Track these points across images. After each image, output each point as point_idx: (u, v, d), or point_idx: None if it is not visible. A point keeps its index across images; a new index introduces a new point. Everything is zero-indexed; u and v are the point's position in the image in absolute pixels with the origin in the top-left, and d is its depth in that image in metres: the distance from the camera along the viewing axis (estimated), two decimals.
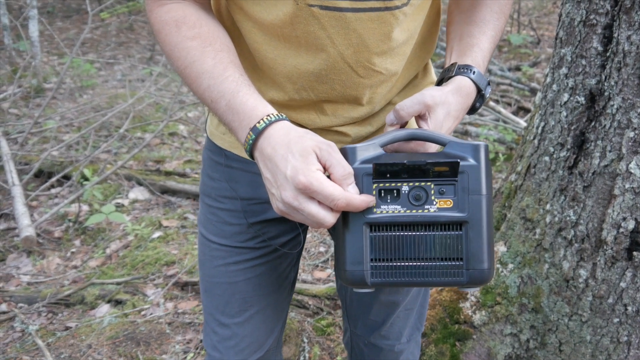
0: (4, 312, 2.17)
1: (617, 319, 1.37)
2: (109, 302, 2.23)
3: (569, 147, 1.42)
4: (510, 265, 1.57)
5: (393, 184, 0.74)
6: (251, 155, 0.78)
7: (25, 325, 2.08)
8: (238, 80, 0.80)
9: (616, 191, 1.32)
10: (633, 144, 1.29)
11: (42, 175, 3.20)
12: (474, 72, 0.90)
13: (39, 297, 2.23)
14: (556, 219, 1.46)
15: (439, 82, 0.94)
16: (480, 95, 0.92)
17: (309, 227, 1.93)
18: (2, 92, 4.41)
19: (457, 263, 0.74)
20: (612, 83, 1.30)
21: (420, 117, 0.86)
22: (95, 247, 2.67)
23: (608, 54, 1.32)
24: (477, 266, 0.74)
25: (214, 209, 1.05)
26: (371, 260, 0.75)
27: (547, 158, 1.49)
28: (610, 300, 1.37)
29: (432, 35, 1.01)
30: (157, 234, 2.73)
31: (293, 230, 1.06)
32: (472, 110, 0.94)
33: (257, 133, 0.76)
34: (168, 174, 3.31)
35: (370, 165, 0.74)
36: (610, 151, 1.32)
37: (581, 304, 1.42)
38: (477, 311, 1.60)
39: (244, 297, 1.05)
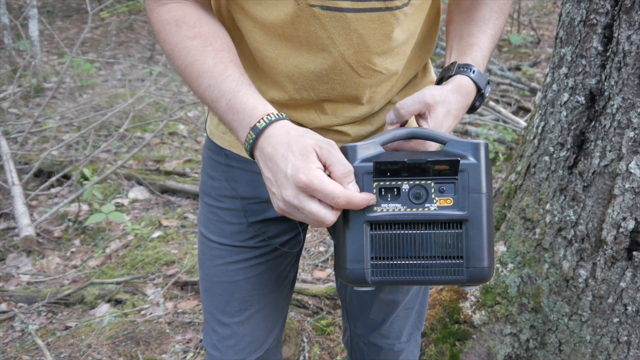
0: (3, 312, 2.17)
1: (617, 319, 1.37)
2: (108, 301, 2.23)
3: (569, 146, 1.42)
4: (510, 265, 1.57)
5: (393, 183, 0.75)
6: (251, 154, 0.79)
7: (25, 325, 2.08)
8: (238, 80, 0.80)
9: (616, 191, 1.32)
10: (633, 144, 1.29)
11: (41, 174, 3.20)
12: (473, 71, 0.90)
13: (38, 297, 2.23)
14: (556, 218, 1.46)
15: (439, 81, 0.94)
16: (480, 94, 0.92)
17: (309, 227, 1.93)
18: (2, 92, 4.41)
19: (458, 261, 0.74)
20: (612, 83, 1.30)
21: (420, 116, 0.86)
22: (95, 247, 2.67)
23: (608, 54, 1.32)
24: (477, 264, 0.74)
25: (214, 208, 1.05)
26: (372, 258, 0.75)
27: (547, 158, 1.50)
28: (610, 300, 1.37)
29: (432, 34, 1.01)
30: (156, 234, 2.73)
31: (293, 230, 1.06)
32: (472, 109, 0.94)
33: (258, 132, 0.76)
34: (168, 173, 3.31)
35: (371, 164, 0.74)
36: (610, 151, 1.32)
37: (581, 304, 1.42)
38: (477, 311, 1.60)
39: (244, 296, 1.05)
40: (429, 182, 0.75)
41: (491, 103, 4.01)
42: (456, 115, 0.88)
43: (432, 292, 1.72)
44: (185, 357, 1.92)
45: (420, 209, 0.74)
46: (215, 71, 0.80)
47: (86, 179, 3.09)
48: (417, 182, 0.74)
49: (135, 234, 2.72)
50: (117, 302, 2.24)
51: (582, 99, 1.39)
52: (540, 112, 1.57)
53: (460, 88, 0.88)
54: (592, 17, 1.34)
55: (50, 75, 5.31)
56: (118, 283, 2.31)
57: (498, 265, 1.59)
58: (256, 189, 1.00)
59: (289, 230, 1.05)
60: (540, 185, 1.52)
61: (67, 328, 2.09)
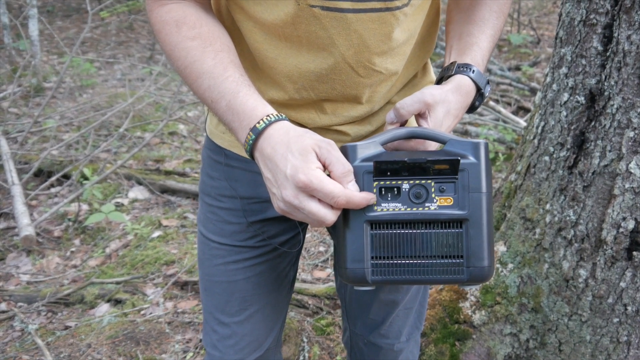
0: (3, 312, 2.17)
1: (617, 319, 1.37)
2: (108, 301, 2.23)
3: (568, 146, 1.42)
4: (510, 265, 1.57)
5: (394, 182, 0.75)
6: (251, 155, 0.79)
7: (25, 325, 2.08)
8: (238, 81, 0.80)
9: (616, 191, 1.32)
10: (633, 144, 1.29)
11: (41, 174, 3.20)
12: (473, 70, 0.90)
13: (38, 297, 2.23)
14: (556, 218, 1.46)
15: (439, 81, 0.94)
16: (479, 93, 0.92)
17: (309, 227, 1.93)
18: (2, 91, 4.41)
19: (458, 261, 0.74)
20: (612, 83, 1.30)
21: (420, 116, 0.86)
22: (95, 247, 2.67)
23: (608, 54, 1.32)
24: (477, 264, 0.74)
25: (213, 207, 1.05)
26: (372, 257, 0.75)
27: (547, 158, 1.50)
28: (610, 300, 1.37)
29: (432, 34, 1.01)
30: (156, 234, 2.72)
31: (292, 229, 1.06)
32: (472, 108, 0.94)
33: (257, 133, 0.76)
34: (168, 173, 3.31)
35: (371, 163, 0.74)
36: (610, 151, 1.32)
37: (581, 304, 1.42)
38: (476, 311, 1.60)
39: (244, 296, 1.05)
40: (429, 181, 0.75)
41: (491, 103, 4.01)
42: (456, 115, 0.88)
43: (432, 292, 1.72)
44: (185, 357, 1.92)
45: (420, 209, 0.74)
46: (215, 72, 0.80)
47: (86, 178, 3.09)
48: (417, 182, 0.75)
49: (135, 233, 2.72)
50: (117, 302, 2.23)
51: (582, 98, 1.39)
52: (540, 112, 1.57)
53: (460, 88, 0.88)
54: (592, 17, 1.34)
55: (50, 74, 5.31)
56: (118, 283, 2.31)
57: (498, 265, 1.59)
58: (256, 188, 1.00)
59: (289, 230, 1.05)
60: (540, 185, 1.52)
61: (66, 328, 2.09)
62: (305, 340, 1.95)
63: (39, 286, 2.35)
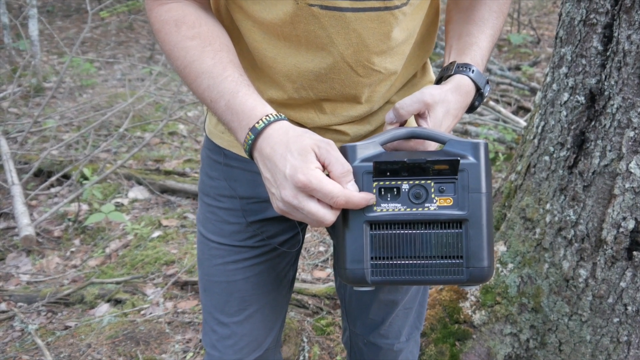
0: (3, 312, 2.17)
1: (617, 319, 1.37)
2: (108, 301, 2.23)
3: (569, 146, 1.42)
4: (510, 265, 1.57)
5: (393, 182, 0.74)
6: (250, 155, 0.79)
7: (25, 325, 2.08)
8: (237, 80, 0.80)
9: (616, 191, 1.32)
10: (633, 144, 1.29)
11: (41, 174, 3.19)
12: (472, 70, 0.90)
13: (38, 297, 2.23)
14: (556, 218, 1.46)
15: (438, 81, 0.94)
16: (479, 93, 0.92)
17: (308, 227, 1.93)
18: (2, 91, 4.41)
19: (457, 261, 0.74)
20: (612, 82, 1.30)
21: (419, 116, 0.86)
22: (95, 247, 2.67)
23: (608, 54, 1.32)
24: (477, 264, 0.74)
25: (213, 207, 1.05)
26: (371, 258, 0.75)
27: (547, 157, 1.49)
28: (610, 300, 1.37)
29: (431, 34, 1.01)
30: (156, 234, 2.72)
31: (292, 229, 1.06)
32: (471, 108, 0.94)
33: (256, 133, 0.76)
34: (168, 173, 3.30)
35: (371, 164, 0.74)
36: (610, 151, 1.32)
37: (581, 304, 1.42)
38: (476, 311, 1.60)
39: (243, 296, 1.05)
40: (428, 181, 0.74)
41: (491, 103, 4.01)
42: (455, 115, 0.88)
43: (432, 292, 1.72)
44: (185, 357, 1.92)
45: (420, 209, 0.74)
46: (214, 72, 0.80)
47: (86, 178, 3.09)
48: (416, 182, 0.74)
49: (135, 233, 2.72)
50: (117, 302, 2.23)
51: (582, 98, 1.38)
52: (540, 111, 1.56)
53: (460, 87, 0.88)
54: (592, 16, 1.34)
55: (50, 74, 5.31)
56: (118, 283, 2.30)
57: (498, 265, 1.59)
58: (255, 188, 1.00)
59: (288, 230, 1.05)
60: (540, 185, 1.52)
61: (66, 328, 2.09)
62: (305, 340, 1.95)
63: (39, 286, 2.35)
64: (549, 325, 1.49)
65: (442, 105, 0.85)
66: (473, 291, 1.63)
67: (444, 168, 0.74)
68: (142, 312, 2.16)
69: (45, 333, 2.05)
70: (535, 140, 1.55)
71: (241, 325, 1.07)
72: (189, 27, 0.84)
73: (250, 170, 0.99)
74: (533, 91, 4.42)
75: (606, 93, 1.32)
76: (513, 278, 1.55)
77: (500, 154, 3.34)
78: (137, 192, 3.15)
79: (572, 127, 1.41)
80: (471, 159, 0.75)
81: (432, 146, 0.86)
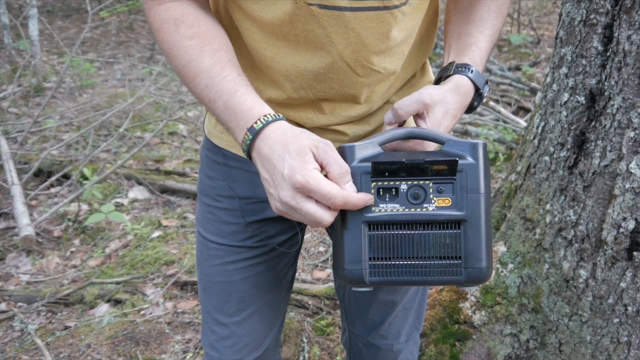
0: (3, 312, 2.17)
1: (617, 319, 1.37)
2: (108, 301, 2.23)
3: (569, 147, 1.42)
4: (510, 265, 1.57)
5: (391, 183, 0.74)
6: (249, 155, 0.78)
7: (25, 325, 2.08)
8: (236, 80, 0.80)
9: (616, 191, 1.32)
10: (633, 144, 1.28)
11: (41, 174, 3.19)
12: (472, 71, 0.90)
13: (38, 297, 2.23)
14: (556, 219, 1.45)
15: (437, 81, 0.94)
16: (478, 94, 0.92)
17: (308, 227, 1.93)
18: (2, 91, 4.41)
19: (456, 262, 0.74)
20: (613, 83, 1.30)
21: (418, 116, 0.86)
22: (95, 247, 2.66)
23: (608, 54, 1.32)
24: (475, 265, 0.74)
25: (212, 208, 1.05)
26: (370, 259, 0.75)
27: (547, 158, 1.49)
28: (610, 301, 1.37)
29: (430, 34, 1.01)
30: (156, 234, 2.72)
31: (291, 230, 1.05)
32: (470, 109, 0.93)
33: (255, 133, 0.75)
34: (168, 173, 3.30)
35: (369, 164, 0.74)
36: (610, 151, 1.32)
37: (581, 304, 1.42)
38: (477, 311, 1.60)
39: (242, 296, 1.05)
40: (427, 182, 0.74)
41: (491, 103, 4.01)
42: (454, 115, 0.88)
43: (432, 292, 1.72)
44: (184, 357, 1.92)
45: (418, 209, 0.74)
46: (213, 71, 0.80)
47: (86, 178, 3.09)
48: (415, 183, 0.74)
49: (135, 233, 2.71)
50: (117, 302, 2.23)
51: (582, 99, 1.38)
52: (540, 112, 1.56)
53: (459, 88, 0.88)
54: (592, 17, 1.34)
55: (50, 74, 5.31)
56: (118, 283, 2.30)
57: (498, 266, 1.59)
58: (254, 188, 1.00)
59: (287, 230, 1.05)
60: (540, 186, 1.52)
61: (66, 328, 2.09)
62: (305, 340, 1.95)
63: (39, 286, 2.35)
64: (549, 325, 1.48)
65: (441, 106, 0.85)
66: (473, 291, 1.63)
67: (443, 168, 0.73)
68: (142, 312, 2.16)
69: (45, 333, 2.05)
70: (536, 141, 1.55)
71: (240, 326, 1.07)
72: (187, 27, 0.83)
73: (249, 171, 0.99)
74: (533, 91, 4.42)
75: (606, 93, 1.32)
76: (513, 278, 1.55)
77: (500, 154, 3.34)
78: (137, 192, 3.15)
79: (572, 128, 1.41)
80: (470, 160, 0.75)
81: (431, 146, 0.86)
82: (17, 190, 2.69)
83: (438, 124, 0.84)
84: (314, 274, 2.40)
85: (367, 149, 0.76)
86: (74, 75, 5.20)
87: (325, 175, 0.72)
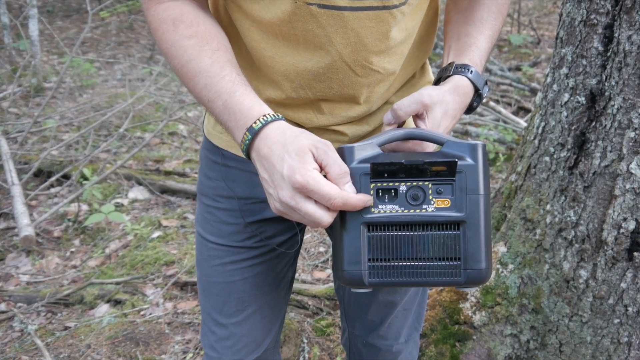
0: (3, 312, 2.17)
1: (618, 320, 1.37)
2: (108, 302, 2.23)
3: (569, 147, 1.42)
4: (511, 266, 1.57)
5: (391, 184, 0.74)
6: (248, 155, 0.78)
7: (24, 325, 2.08)
8: (235, 80, 0.80)
9: (617, 191, 1.31)
10: (634, 144, 1.28)
11: (41, 174, 3.19)
12: (471, 71, 0.89)
13: (38, 297, 2.23)
14: (556, 219, 1.45)
15: (437, 82, 0.94)
16: (477, 94, 0.92)
17: (308, 227, 1.93)
18: (2, 91, 4.41)
19: (455, 263, 0.74)
20: (613, 83, 1.29)
21: (417, 117, 0.86)
22: (95, 247, 2.66)
23: (609, 54, 1.31)
24: (474, 266, 0.74)
25: (211, 208, 1.04)
26: (369, 260, 0.74)
27: (547, 158, 1.49)
28: (610, 301, 1.37)
29: (430, 35, 1.01)
30: (156, 234, 2.72)
31: (290, 230, 1.05)
32: (470, 109, 0.93)
33: (254, 133, 0.75)
34: (168, 173, 3.30)
35: (368, 165, 0.74)
36: (610, 151, 1.32)
37: (581, 305, 1.41)
38: (477, 312, 1.60)
39: (241, 297, 1.05)
40: (426, 183, 0.74)
41: (491, 103, 4.00)
42: (454, 116, 0.87)
43: (432, 292, 1.72)
44: (184, 357, 1.91)
45: (417, 211, 0.74)
46: (212, 71, 0.80)
47: (86, 178, 3.09)
48: (414, 184, 0.74)
49: (135, 234, 2.71)
50: (117, 303, 2.23)
51: (582, 99, 1.38)
52: (540, 112, 1.56)
53: (458, 88, 0.88)
54: (592, 17, 1.34)
55: (50, 75, 5.31)
56: (117, 283, 2.30)
57: (498, 266, 1.59)
58: (253, 189, 1.00)
59: (287, 231, 1.05)
60: (540, 186, 1.51)
61: (66, 328, 2.09)
62: (305, 341, 1.95)
63: (39, 286, 2.35)
64: (549, 326, 1.48)
65: (440, 106, 0.85)
66: (473, 292, 1.63)
67: (442, 169, 0.73)
68: (142, 312, 2.16)
69: (45, 333, 2.05)
70: (536, 141, 1.55)
71: (240, 326, 1.06)
72: (186, 26, 0.83)
73: (249, 171, 0.99)
74: (533, 92, 4.41)
75: (607, 94, 1.32)
76: (513, 279, 1.55)
77: (500, 155, 3.34)
78: (137, 193, 3.15)
79: (573, 128, 1.41)
80: (469, 161, 0.75)
81: (430, 147, 0.85)
82: (17, 191, 2.69)
83: (437, 124, 0.84)
84: (314, 274, 2.40)
85: (366, 150, 0.76)
86: (74, 76, 5.20)
87: (325, 176, 0.72)
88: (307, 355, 1.89)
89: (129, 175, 3.24)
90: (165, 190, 3.16)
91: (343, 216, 0.74)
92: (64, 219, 2.86)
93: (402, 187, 0.74)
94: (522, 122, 3.68)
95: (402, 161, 0.73)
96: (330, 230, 0.80)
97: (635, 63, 1.25)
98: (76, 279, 2.42)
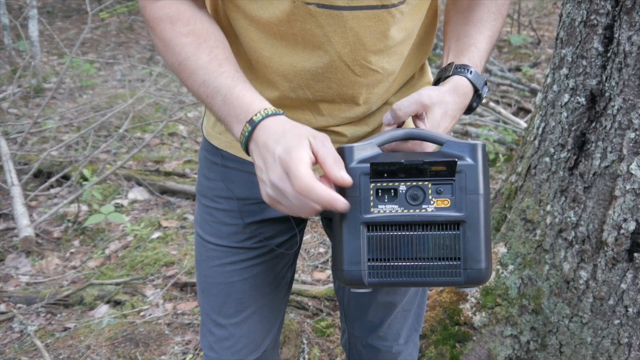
0: (2, 313, 2.17)
1: (618, 321, 1.36)
2: (107, 302, 2.22)
3: (569, 148, 1.42)
4: (511, 267, 1.56)
5: (390, 184, 0.74)
6: (246, 148, 0.78)
7: (24, 326, 2.08)
8: (234, 76, 0.80)
9: (617, 192, 1.31)
10: (634, 145, 1.28)
11: (41, 175, 3.19)
12: (471, 71, 0.89)
13: (37, 298, 2.22)
14: (557, 220, 1.45)
15: (436, 82, 0.93)
16: (477, 95, 0.92)
17: (308, 227, 1.92)
18: (2, 92, 4.41)
19: (455, 263, 0.74)
20: (613, 84, 1.29)
21: (417, 117, 0.85)
22: (95, 248, 2.66)
23: (609, 55, 1.31)
24: (474, 266, 0.74)
25: (210, 209, 1.04)
26: (368, 260, 0.74)
27: (547, 159, 1.49)
28: (610, 302, 1.37)
29: (430, 35, 1.01)
30: (156, 235, 2.72)
31: (290, 231, 1.05)
32: (469, 110, 0.93)
33: (254, 125, 0.75)
34: (167, 174, 3.30)
35: (368, 165, 0.73)
36: (611, 152, 1.32)
37: (582, 306, 1.41)
38: (477, 312, 1.59)
39: (241, 298, 1.05)
40: (426, 183, 0.74)
41: (491, 104, 4.00)
42: (453, 116, 0.87)
43: (432, 293, 1.72)
44: (184, 358, 1.91)
45: (417, 210, 0.74)
46: (210, 67, 0.80)
47: (86, 179, 3.08)
48: (414, 183, 0.74)
49: (134, 234, 2.71)
50: (117, 303, 2.23)
51: (582, 100, 1.38)
52: (540, 113, 1.56)
53: (458, 89, 0.88)
54: (592, 17, 1.34)
55: (50, 75, 5.31)
56: (117, 284, 2.30)
57: (498, 267, 1.59)
58: (252, 189, 0.99)
59: (286, 232, 1.05)
60: (540, 187, 1.51)
61: (66, 329, 2.09)
62: (305, 341, 1.94)
63: (38, 287, 2.35)
64: (549, 327, 1.48)
65: (439, 107, 0.85)
66: (473, 293, 1.63)
67: (442, 169, 0.73)
68: (142, 313, 2.16)
69: (45, 334, 2.05)
70: (536, 142, 1.55)
71: (239, 327, 1.06)
72: (183, 24, 0.83)
73: (248, 172, 0.99)
74: (533, 92, 4.41)
75: (607, 94, 1.31)
76: (513, 280, 1.55)
77: (500, 155, 3.34)
78: (137, 193, 3.14)
79: (573, 129, 1.41)
80: (469, 160, 0.74)
81: (430, 147, 0.85)
82: (16, 191, 2.68)
83: (437, 124, 0.84)
84: (313, 275, 2.40)
85: (366, 150, 0.76)
86: (73, 76, 5.20)
87: (319, 168, 0.72)
88: (307, 356, 1.89)
89: (129, 175, 3.23)
90: (165, 191, 3.16)
91: (342, 216, 0.74)
92: (63, 220, 2.85)
93: (402, 187, 0.74)
94: (522, 123, 3.68)
95: (402, 161, 0.73)
96: (330, 230, 0.79)
97: (636, 64, 1.25)
98: (76, 279, 2.41)
